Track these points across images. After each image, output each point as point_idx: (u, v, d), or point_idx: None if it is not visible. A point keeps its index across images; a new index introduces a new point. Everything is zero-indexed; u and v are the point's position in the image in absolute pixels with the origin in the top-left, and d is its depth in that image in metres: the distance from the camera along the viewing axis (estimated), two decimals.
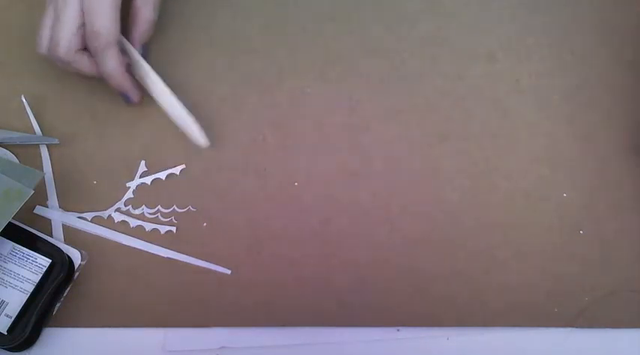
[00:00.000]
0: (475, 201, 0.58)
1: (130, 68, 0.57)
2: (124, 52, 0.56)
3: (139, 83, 0.57)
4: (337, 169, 0.59)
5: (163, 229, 0.57)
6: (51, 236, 0.55)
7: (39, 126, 0.59)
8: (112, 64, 0.54)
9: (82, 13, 0.53)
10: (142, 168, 0.59)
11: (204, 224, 0.57)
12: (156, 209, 0.57)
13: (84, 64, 0.55)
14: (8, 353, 0.53)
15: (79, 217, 0.57)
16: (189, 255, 0.56)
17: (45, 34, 0.55)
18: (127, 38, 0.57)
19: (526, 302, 0.55)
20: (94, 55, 0.54)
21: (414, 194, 0.58)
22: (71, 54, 0.54)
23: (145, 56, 0.57)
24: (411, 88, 0.62)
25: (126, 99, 0.58)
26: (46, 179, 0.57)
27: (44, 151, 0.58)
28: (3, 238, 0.53)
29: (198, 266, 0.56)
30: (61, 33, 0.53)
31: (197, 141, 0.56)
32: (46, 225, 0.56)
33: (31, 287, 0.52)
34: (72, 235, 0.56)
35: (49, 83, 0.61)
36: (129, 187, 0.58)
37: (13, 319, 0.51)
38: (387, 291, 0.55)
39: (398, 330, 0.54)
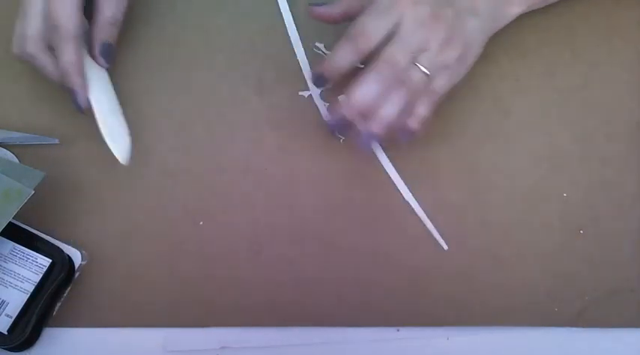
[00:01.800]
0: (475, 200, 0.58)
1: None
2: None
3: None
4: (337, 169, 0.59)
5: None
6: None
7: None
8: (67, 58, 0.53)
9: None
10: None
11: (201, 223, 0.57)
12: None
13: (46, 62, 0.55)
14: (8, 352, 0.53)
15: None
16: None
17: (16, 33, 0.55)
18: (89, 36, 0.57)
19: (526, 302, 0.55)
20: (55, 50, 0.54)
21: (414, 193, 0.58)
22: (38, 49, 0.54)
23: (107, 56, 0.57)
24: None
25: (74, 102, 0.55)
26: None
27: None
28: (3, 238, 0.53)
29: (198, 266, 0.56)
30: (26, 29, 0.54)
31: (117, 155, 0.56)
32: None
33: (31, 287, 0.52)
34: (72, 235, 0.56)
35: (49, 83, 0.61)
36: None
37: (13, 319, 0.51)
38: (386, 291, 0.55)
39: (398, 330, 0.54)
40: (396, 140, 0.55)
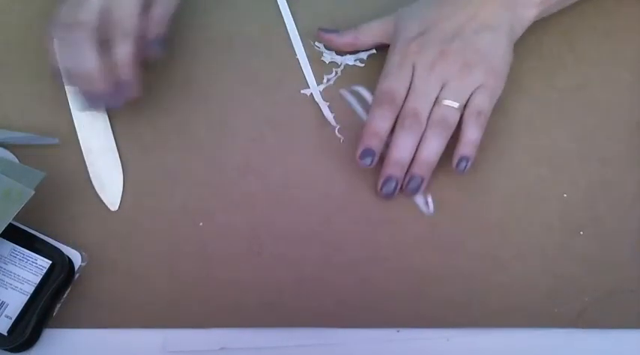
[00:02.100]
0: (475, 201, 0.58)
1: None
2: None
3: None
4: (337, 169, 0.59)
5: None
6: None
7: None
8: (125, 49, 0.53)
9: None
10: None
11: (201, 223, 0.57)
12: None
13: (86, 49, 0.53)
14: (8, 353, 0.53)
15: None
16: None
17: (62, 13, 0.54)
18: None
19: (526, 302, 0.55)
20: (109, 41, 0.53)
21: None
22: (86, 36, 0.53)
23: (163, 46, 0.56)
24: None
25: (119, 96, 0.55)
26: None
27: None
28: (3, 239, 0.53)
29: (198, 266, 0.56)
30: (79, 14, 0.53)
31: (105, 201, 0.57)
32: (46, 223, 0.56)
33: (31, 289, 0.52)
34: (72, 236, 0.56)
35: (49, 83, 0.61)
36: None
37: (13, 320, 0.51)
38: (387, 292, 0.55)
39: (398, 331, 0.54)
40: (458, 172, 0.56)
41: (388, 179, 0.56)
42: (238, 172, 0.59)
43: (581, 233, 0.57)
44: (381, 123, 0.56)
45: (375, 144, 0.55)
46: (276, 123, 0.60)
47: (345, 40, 0.61)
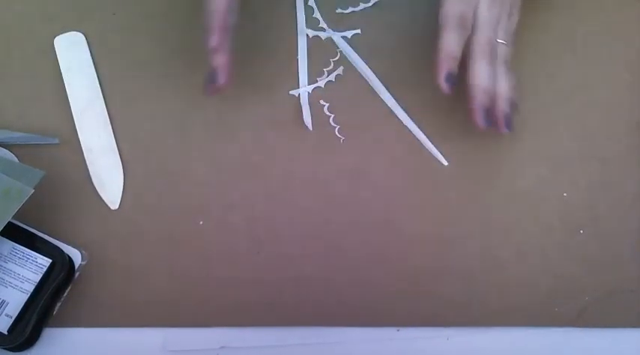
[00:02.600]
0: (475, 200, 0.58)
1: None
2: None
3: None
4: (337, 169, 0.59)
5: None
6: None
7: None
8: (214, 5, 0.53)
9: None
10: None
11: (201, 222, 0.57)
12: None
13: None
14: (8, 353, 0.53)
15: None
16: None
17: None
18: None
19: (526, 302, 0.55)
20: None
21: (414, 194, 0.58)
22: None
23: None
24: (411, 87, 0.62)
25: (212, 76, 0.55)
26: None
27: None
28: (3, 238, 0.53)
29: (198, 266, 0.56)
30: None
31: (106, 200, 0.57)
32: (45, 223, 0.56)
33: (31, 287, 0.52)
34: (72, 235, 0.56)
35: (49, 83, 0.61)
36: None
37: (13, 319, 0.51)
38: (386, 291, 0.55)
39: (398, 330, 0.54)
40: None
41: (479, 105, 0.55)
42: (238, 172, 0.59)
43: (581, 232, 0.57)
44: (456, 47, 0.54)
45: (454, 67, 0.54)
46: (276, 123, 0.60)
47: None
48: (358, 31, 0.63)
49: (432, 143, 0.59)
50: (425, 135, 0.60)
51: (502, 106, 0.55)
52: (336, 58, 0.63)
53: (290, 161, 0.59)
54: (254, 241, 0.56)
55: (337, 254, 0.56)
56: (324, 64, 0.62)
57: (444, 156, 0.59)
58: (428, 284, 0.55)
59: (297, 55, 0.63)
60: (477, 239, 0.57)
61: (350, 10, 0.64)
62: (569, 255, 0.56)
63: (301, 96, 0.61)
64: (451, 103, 0.61)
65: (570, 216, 0.58)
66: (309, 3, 0.64)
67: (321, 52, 0.63)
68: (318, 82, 0.61)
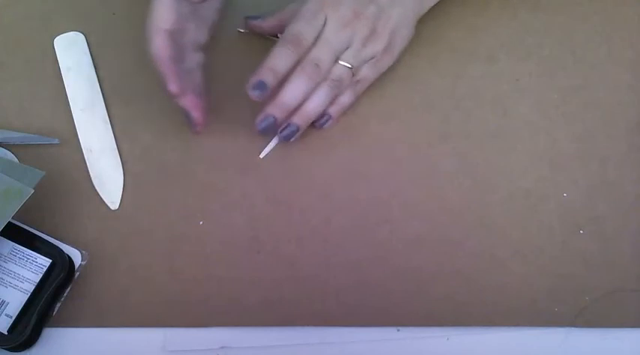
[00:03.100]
0: (475, 201, 0.58)
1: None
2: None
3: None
4: (337, 169, 0.59)
5: None
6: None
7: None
8: (155, 46, 0.54)
9: None
10: None
11: (201, 222, 0.57)
12: None
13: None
14: (9, 353, 0.53)
15: None
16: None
17: None
18: None
19: (526, 302, 0.55)
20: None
21: (414, 194, 0.58)
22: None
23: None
24: (411, 87, 0.62)
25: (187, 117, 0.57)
26: None
27: None
28: (3, 238, 0.53)
29: (198, 266, 0.56)
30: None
31: (106, 200, 0.57)
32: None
33: (31, 287, 0.52)
34: (72, 235, 0.56)
35: (49, 83, 0.61)
36: None
37: (13, 319, 0.51)
38: (386, 291, 0.55)
39: (398, 330, 0.54)
40: (314, 126, 0.59)
41: (267, 117, 0.56)
42: (238, 172, 0.58)
43: (581, 232, 0.57)
44: (280, 62, 0.55)
45: (270, 79, 0.55)
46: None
47: (268, 23, 0.62)
48: None
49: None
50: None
51: (294, 120, 0.57)
52: None
53: (290, 161, 0.59)
54: (254, 241, 0.56)
55: (337, 254, 0.56)
56: None
57: (444, 155, 0.59)
58: (428, 284, 0.55)
59: None
60: (477, 239, 0.57)
61: None
62: (569, 255, 0.56)
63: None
64: (451, 104, 0.61)
65: (570, 215, 0.58)
66: None
67: None
68: None
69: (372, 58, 0.58)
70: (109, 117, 0.60)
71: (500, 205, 0.58)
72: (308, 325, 0.54)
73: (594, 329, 0.54)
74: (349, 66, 0.57)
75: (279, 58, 0.55)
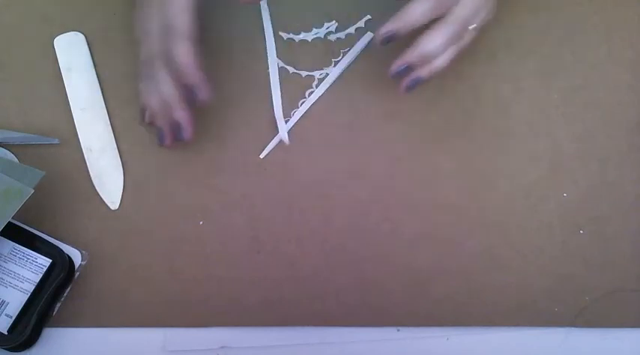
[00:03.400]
0: (475, 201, 0.58)
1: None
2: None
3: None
4: (337, 169, 0.59)
5: None
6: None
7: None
8: (183, 53, 0.52)
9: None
10: None
11: (201, 222, 0.57)
12: None
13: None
14: (9, 352, 0.53)
15: None
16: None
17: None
18: None
19: (526, 302, 0.55)
20: (168, 54, 0.53)
21: (414, 194, 0.58)
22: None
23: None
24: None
25: (194, 97, 0.54)
26: None
27: None
28: (3, 238, 0.53)
29: (198, 266, 0.56)
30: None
31: (106, 200, 0.57)
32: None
33: (31, 287, 0.52)
34: (72, 235, 0.56)
35: (49, 83, 0.61)
36: None
37: (13, 319, 0.51)
38: (387, 291, 0.55)
39: (398, 330, 0.54)
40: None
41: (404, 64, 0.55)
42: (238, 172, 0.58)
43: (581, 232, 0.57)
44: (425, 13, 0.53)
45: (406, 31, 0.54)
46: (275, 123, 0.60)
47: (401, 28, 0.56)
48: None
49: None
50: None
51: (422, 73, 0.55)
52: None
53: (290, 161, 0.59)
54: (254, 241, 0.56)
55: (337, 254, 0.56)
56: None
57: (444, 155, 0.59)
58: (428, 284, 0.55)
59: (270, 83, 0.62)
60: (477, 239, 0.57)
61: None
62: (569, 255, 0.56)
63: (276, 112, 0.61)
64: (451, 104, 0.61)
65: (570, 215, 0.58)
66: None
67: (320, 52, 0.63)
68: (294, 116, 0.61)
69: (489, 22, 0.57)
70: (109, 117, 0.60)
71: (500, 205, 0.58)
72: (308, 325, 0.54)
73: (594, 329, 0.54)
74: (474, 29, 0.55)
75: (422, 10, 0.53)
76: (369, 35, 0.63)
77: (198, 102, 0.54)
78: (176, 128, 0.55)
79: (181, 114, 0.55)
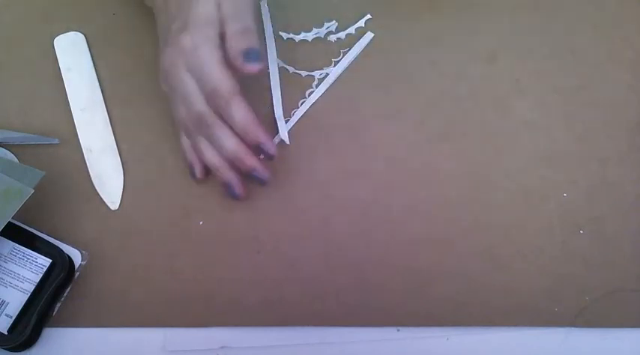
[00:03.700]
0: (475, 201, 0.58)
1: None
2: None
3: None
4: (337, 169, 0.59)
5: None
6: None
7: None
8: (240, 113, 0.51)
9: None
10: None
11: (201, 222, 0.57)
12: None
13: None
14: (9, 353, 0.53)
15: None
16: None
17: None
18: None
19: (526, 302, 0.55)
20: (222, 114, 0.52)
21: (414, 194, 0.58)
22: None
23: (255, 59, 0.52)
24: (411, 87, 0.62)
25: (264, 151, 0.53)
26: None
27: None
28: (3, 238, 0.53)
29: (198, 266, 0.56)
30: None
31: (106, 200, 0.57)
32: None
33: (31, 287, 0.52)
34: (72, 235, 0.56)
35: (49, 83, 0.61)
36: None
37: (13, 319, 0.51)
38: (386, 291, 0.55)
39: (398, 330, 0.54)
40: None
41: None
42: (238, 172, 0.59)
43: (581, 232, 0.57)
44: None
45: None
46: (275, 122, 0.60)
47: None
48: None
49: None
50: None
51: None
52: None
53: (290, 161, 0.59)
54: (254, 241, 0.56)
55: (337, 254, 0.56)
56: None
57: (443, 155, 0.59)
58: (428, 284, 0.55)
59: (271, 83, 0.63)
60: (477, 239, 0.57)
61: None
62: (569, 255, 0.56)
63: (276, 112, 0.61)
64: (451, 104, 0.61)
65: (570, 215, 0.58)
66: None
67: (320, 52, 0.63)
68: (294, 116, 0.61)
69: None
70: (109, 117, 0.60)
71: (500, 205, 0.58)
72: (308, 325, 0.54)
73: (594, 329, 0.54)
74: None
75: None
76: (369, 35, 0.63)
77: (267, 158, 0.54)
78: (249, 174, 0.55)
79: (252, 161, 0.54)
